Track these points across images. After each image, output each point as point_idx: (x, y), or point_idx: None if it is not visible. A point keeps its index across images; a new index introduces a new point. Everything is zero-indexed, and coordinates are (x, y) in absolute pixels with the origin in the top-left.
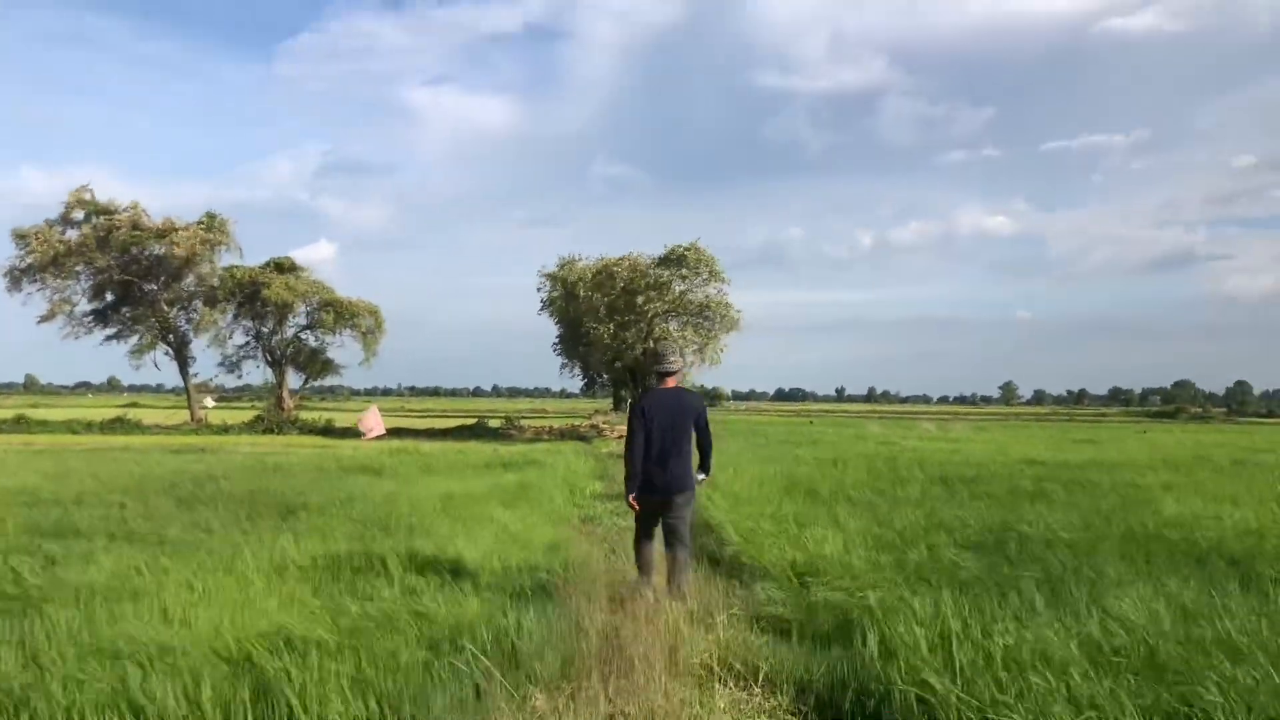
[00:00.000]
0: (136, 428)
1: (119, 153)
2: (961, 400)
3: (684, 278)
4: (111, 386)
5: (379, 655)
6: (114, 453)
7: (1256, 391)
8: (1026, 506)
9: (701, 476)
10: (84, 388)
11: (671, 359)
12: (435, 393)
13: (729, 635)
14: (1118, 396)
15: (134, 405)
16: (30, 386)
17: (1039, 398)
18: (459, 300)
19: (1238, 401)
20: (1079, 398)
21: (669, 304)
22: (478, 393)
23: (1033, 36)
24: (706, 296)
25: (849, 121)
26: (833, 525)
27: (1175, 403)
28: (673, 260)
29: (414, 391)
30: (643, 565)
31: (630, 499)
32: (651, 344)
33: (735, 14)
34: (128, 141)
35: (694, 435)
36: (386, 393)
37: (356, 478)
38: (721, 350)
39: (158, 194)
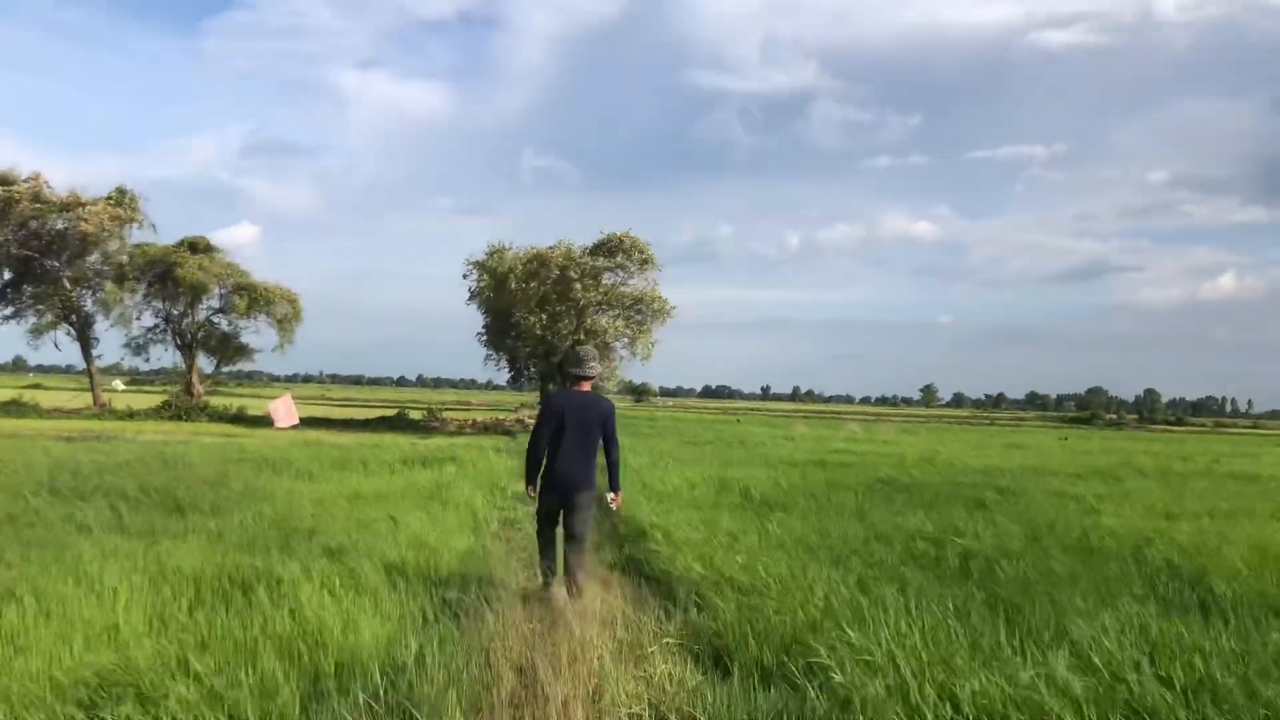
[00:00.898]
0: (34, 411)
1: (31, 122)
2: (883, 401)
3: (618, 267)
4: (17, 366)
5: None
6: None
7: (1165, 399)
8: (964, 515)
9: (612, 495)
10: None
11: (590, 364)
12: (359, 381)
13: (661, 672)
14: (1034, 401)
15: (37, 386)
16: None
17: (958, 400)
18: (384, 288)
19: (1148, 409)
20: (997, 401)
21: (602, 295)
22: (402, 382)
23: (962, 47)
24: (639, 290)
25: (779, 124)
26: (767, 536)
27: (1089, 409)
28: (607, 248)
29: (336, 380)
30: (544, 556)
31: (529, 491)
32: (584, 336)
33: (671, 11)
34: (41, 112)
35: (600, 442)
36: (308, 380)
37: (259, 473)
38: (653, 344)
39: (71, 167)
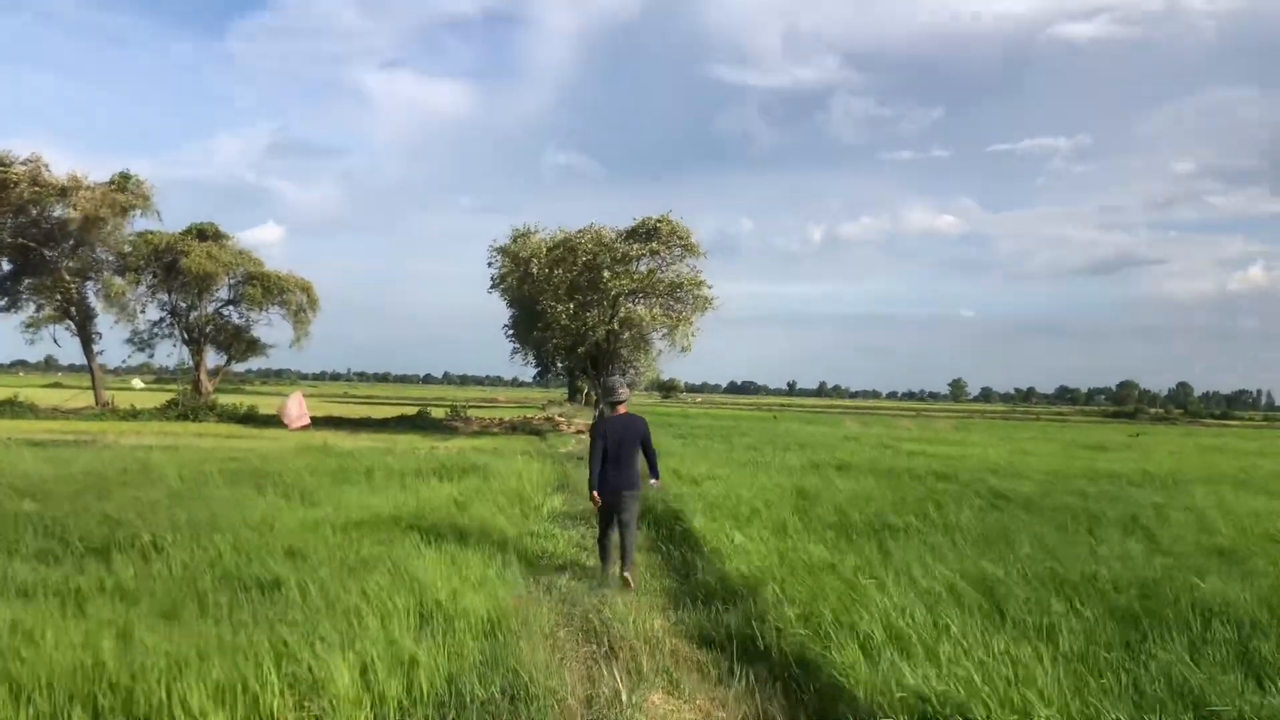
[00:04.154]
0: (29, 411)
1: (62, 123)
2: (910, 396)
3: (654, 252)
4: (49, 365)
5: None
6: None
7: (1197, 393)
8: (1131, 540)
9: (653, 481)
10: (20, 365)
11: (620, 392)
12: (385, 378)
13: None
14: (1065, 395)
15: (57, 385)
16: None
17: (986, 395)
18: (409, 286)
19: (1180, 403)
20: (1027, 396)
21: (636, 282)
22: (428, 379)
23: (983, 40)
24: (678, 275)
25: (801, 117)
26: (910, 580)
27: (1122, 403)
28: (642, 233)
29: (363, 377)
30: (604, 554)
31: (593, 495)
32: (617, 326)
33: (692, 6)
34: (72, 113)
35: (640, 450)
36: (335, 377)
37: (239, 488)
38: (694, 334)
39: (103, 167)
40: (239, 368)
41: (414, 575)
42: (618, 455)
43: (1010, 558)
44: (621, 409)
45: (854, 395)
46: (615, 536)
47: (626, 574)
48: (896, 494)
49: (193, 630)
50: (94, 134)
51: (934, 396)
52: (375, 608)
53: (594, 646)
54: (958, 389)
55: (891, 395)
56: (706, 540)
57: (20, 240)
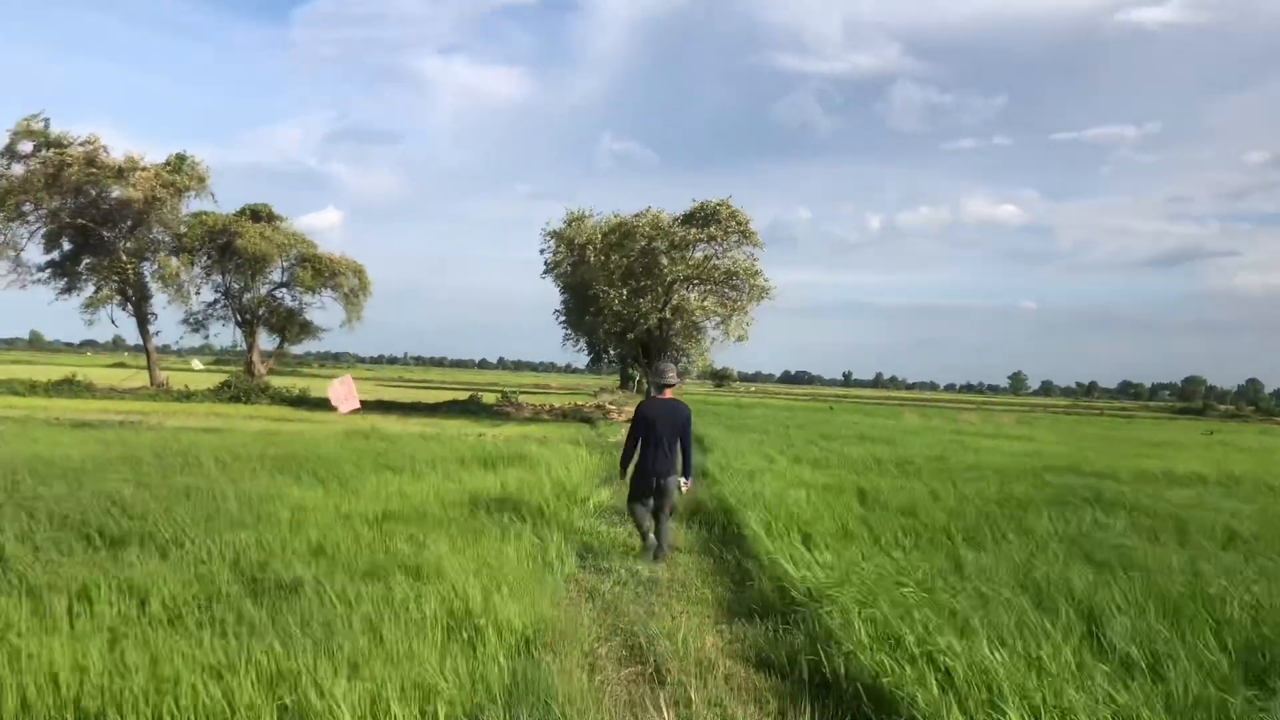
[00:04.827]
0: (86, 390)
1: (127, 113)
2: (969, 388)
3: (711, 238)
4: (117, 345)
5: None
6: (2, 424)
7: (1268, 390)
8: (1218, 554)
9: (684, 481)
10: (89, 345)
11: (670, 376)
12: (440, 363)
13: None
14: (1127, 390)
15: (120, 365)
16: (34, 343)
17: (1046, 389)
18: (466, 271)
19: (1251, 400)
20: (1089, 390)
21: (692, 269)
22: (483, 365)
23: (1048, 27)
24: (734, 262)
25: (859, 105)
26: (984, 592)
27: (1190, 399)
28: (700, 218)
29: (419, 361)
30: (639, 523)
31: (621, 475)
32: (670, 314)
33: None
34: (137, 102)
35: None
36: (392, 361)
37: (274, 476)
38: (749, 324)
39: (163, 154)
40: (297, 350)
41: (445, 576)
42: (658, 438)
43: (1098, 570)
44: (668, 393)
45: (911, 387)
46: (650, 511)
47: (661, 562)
48: (966, 494)
49: (192, 641)
50: (158, 121)
51: (993, 389)
52: (398, 615)
53: (638, 667)
54: (1018, 382)
55: (949, 388)
56: (762, 543)
57: (79, 221)
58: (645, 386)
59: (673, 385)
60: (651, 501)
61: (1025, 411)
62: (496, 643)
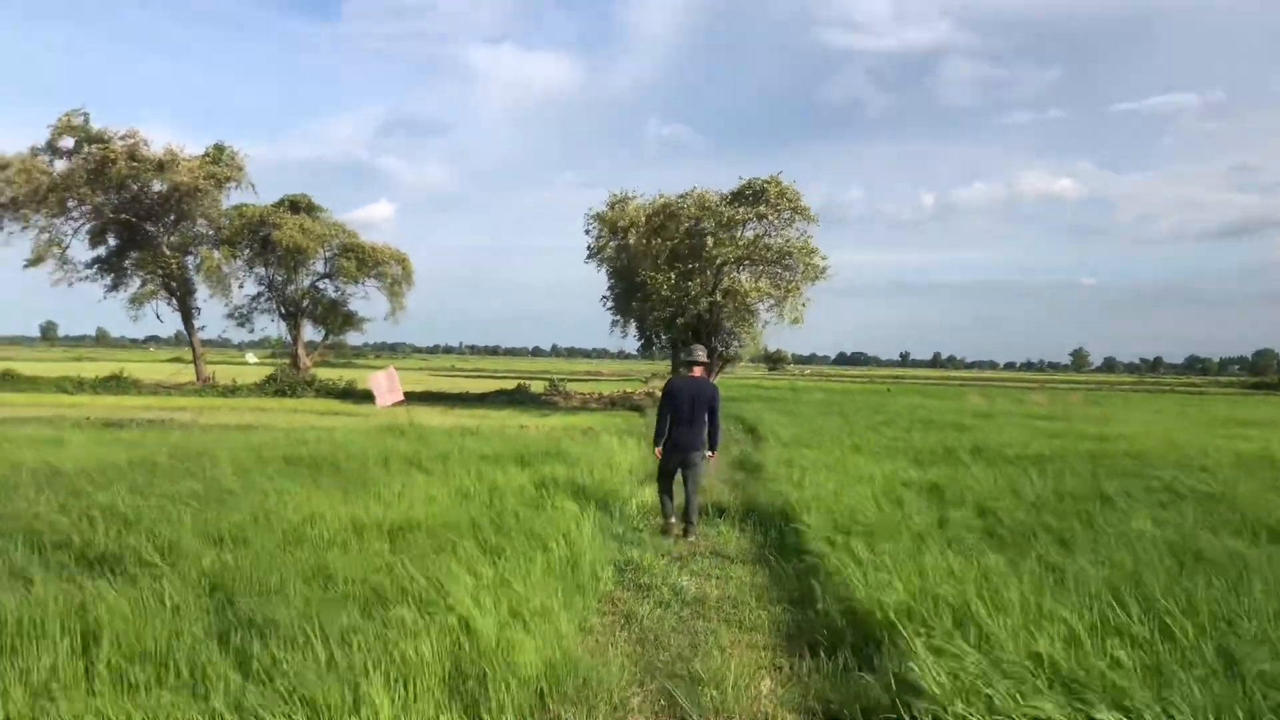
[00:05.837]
0: (132, 386)
1: (182, 109)
2: (1029, 366)
3: (761, 216)
4: (179, 340)
5: None
6: (29, 425)
7: None
8: None
9: (709, 453)
10: (153, 341)
11: (699, 354)
12: (495, 352)
13: None
14: (1194, 365)
15: (177, 360)
16: (101, 339)
17: (1110, 365)
18: (518, 260)
19: None
20: (1154, 366)
21: (741, 249)
22: (537, 352)
23: None
24: (787, 240)
25: (911, 82)
26: (1093, 615)
27: (1263, 374)
28: (748, 196)
29: (474, 350)
30: (664, 505)
31: (656, 450)
32: (720, 297)
33: None
34: (191, 98)
35: (706, 415)
36: (448, 350)
37: (293, 479)
38: (804, 305)
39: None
40: (354, 340)
41: (455, 604)
42: (688, 415)
43: (1222, 587)
44: (697, 371)
45: (970, 366)
46: (678, 489)
47: (691, 520)
48: (1049, 488)
49: (140, 703)
50: (213, 118)
51: (1054, 367)
52: (393, 660)
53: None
54: (1080, 359)
55: (1009, 366)
56: (825, 553)
57: (123, 216)
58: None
59: (702, 364)
60: (680, 475)
61: (1092, 389)
62: (505, 698)
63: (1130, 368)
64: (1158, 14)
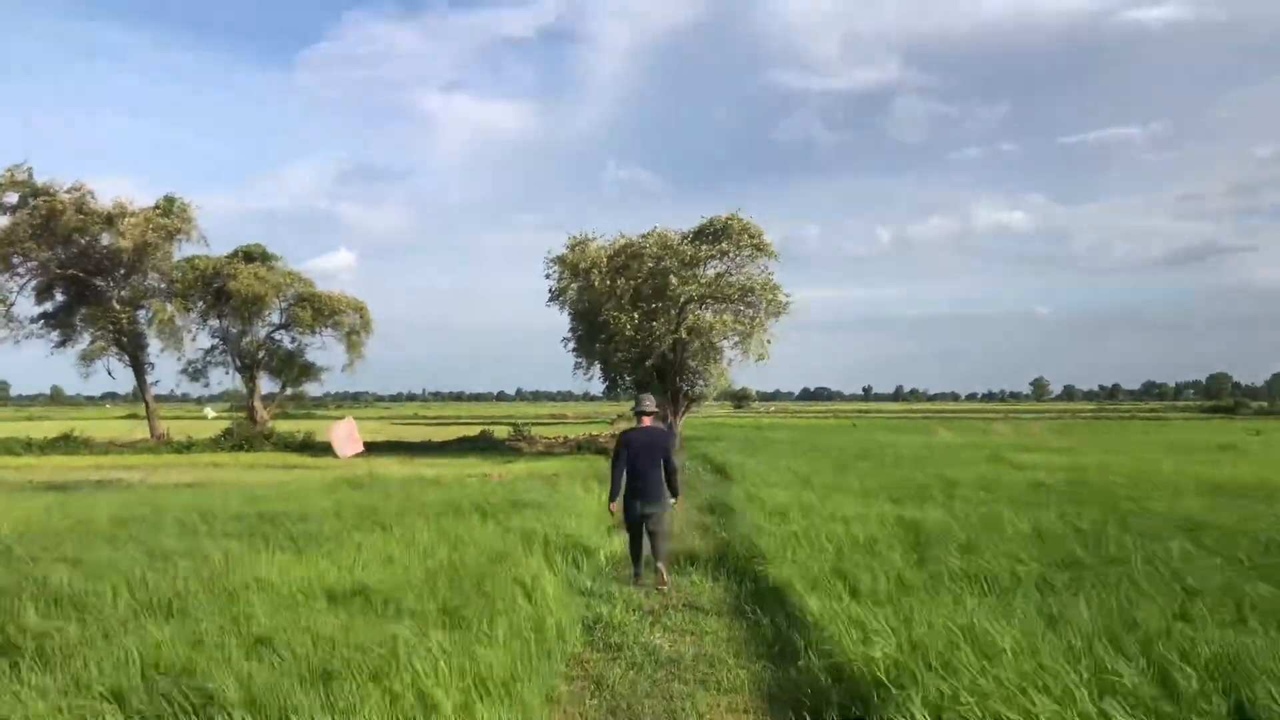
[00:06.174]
0: (83, 445)
1: (141, 162)
2: (990, 397)
3: (723, 253)
4: (135, 397)
5: None
6: None
7: None
8: None
9: (671, 500)
10: (109, 398)
11: (648, 404)
12: (459, 397)
13: None
14: (1151, 390)
15: (132, 416)
16: (55, 398)
17: (1069, 393)
18: (479, 304)
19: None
20: (1112, 393)
21: (704, 287)
22: (501, 397)
23: (1048, 31)
24: (750, 278)
25: (863, 120)
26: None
27: (1217, 397)
28: (710, 234)
29: (438, 396)
30: (635, 557)
31: (611, 506)
32: (685, 334)
33: (749, 13)
34: (149, 151)
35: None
36: (411, 398)
37: (240, 540)
38: (768, 341)
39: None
40: (313, 391)
41: (413, 678)
42: (643, 468)
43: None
44: (647, 420)
45: (932, 398)
46: (646, 542)
47: (660, 569)
48: (1030, 523)
49: None
50: (170, 171)
51: (1015, 396)
52: None
53: None
54: (1040, 388)
55: (971, 396)
56: (804, 602)
57: (71, 271)
58: (663, 413)
59: (652, 414)
60: (645, 526)
61: (1053, 418)
62: None
63: (1089, 395)
64: (1100, 50)
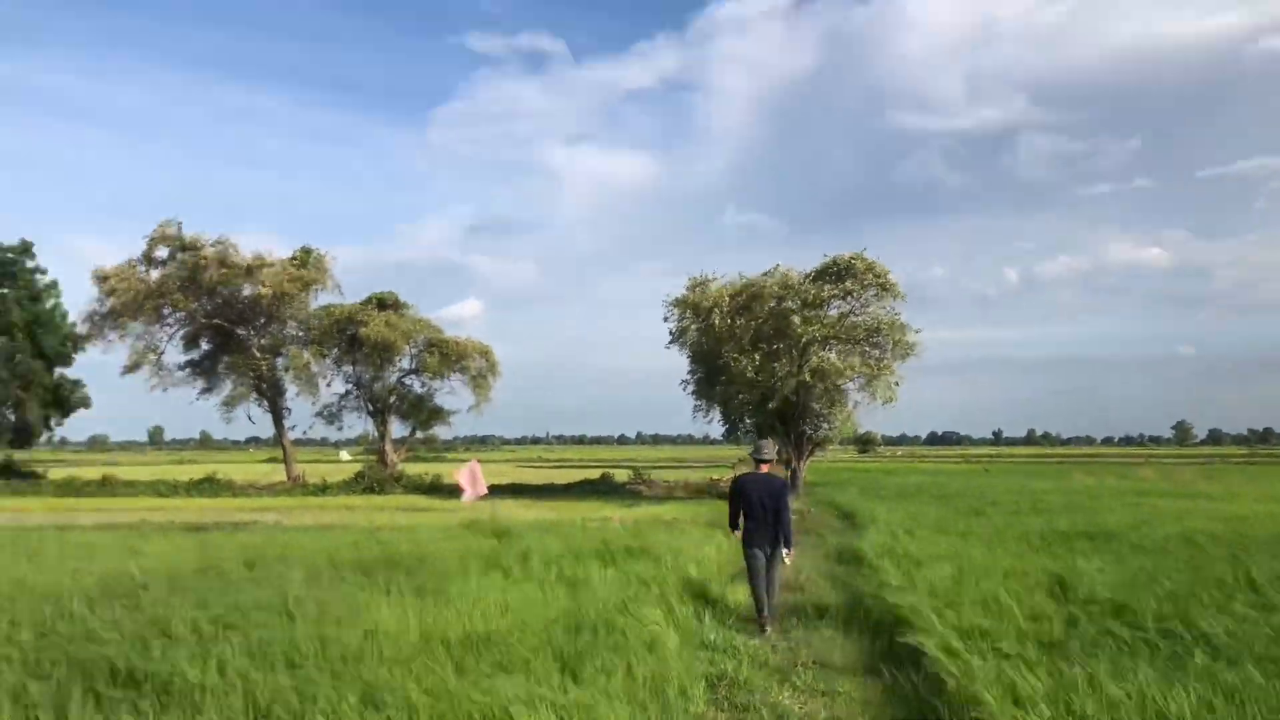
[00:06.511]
0: (225, 488)
1: (283, 220)
2: (1129, 441)
3: (847, 293)
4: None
5: None
6: (116, 530)
7: None
8: None
9: (786, 551)
10: (252, 442)
11: (766, 452)
12: (581, 440)
13: None
14: None
15: (272, 460)
16: (205, 442)
17: (1215, 437)
18: (602, 351)
19: None
20: (1264, 436)
21: (828, 328)
22: (622, 440)
23: (1180, 62)
24: (875, 319)
25: (987, 159)
26: None
27: None
28: (833, 273)
29: (561, 440)
30: (758, 598)
31: (735, 535)
32: (808, 377)
33: (868, 56)
34: (288, 206)
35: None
36: (536, 441)
37: (363, 585)
38: (896, 384)
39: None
40: (443, 434)
41: None
42: (759, 512)
43: None
44: (764, 468)
45: (1066, 442)
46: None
47: (765, 621)
48: (1189, 576)
49: None
50: (308, 224)
51: (1155, 441)
52: None
53: None
54: (1183, 432)
55: (1108, 440)
56: (945, 663)
57: (215, 320)
58: (785, 457)
59: (769, 460)
60: (764, 571)
61: (1202, 463)
62: None
63: (1238, 439)
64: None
